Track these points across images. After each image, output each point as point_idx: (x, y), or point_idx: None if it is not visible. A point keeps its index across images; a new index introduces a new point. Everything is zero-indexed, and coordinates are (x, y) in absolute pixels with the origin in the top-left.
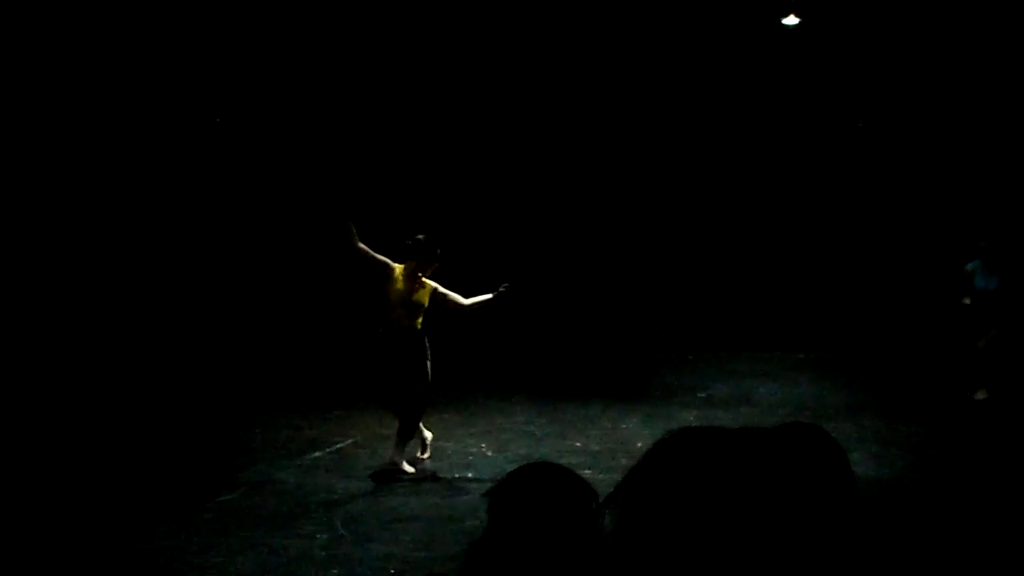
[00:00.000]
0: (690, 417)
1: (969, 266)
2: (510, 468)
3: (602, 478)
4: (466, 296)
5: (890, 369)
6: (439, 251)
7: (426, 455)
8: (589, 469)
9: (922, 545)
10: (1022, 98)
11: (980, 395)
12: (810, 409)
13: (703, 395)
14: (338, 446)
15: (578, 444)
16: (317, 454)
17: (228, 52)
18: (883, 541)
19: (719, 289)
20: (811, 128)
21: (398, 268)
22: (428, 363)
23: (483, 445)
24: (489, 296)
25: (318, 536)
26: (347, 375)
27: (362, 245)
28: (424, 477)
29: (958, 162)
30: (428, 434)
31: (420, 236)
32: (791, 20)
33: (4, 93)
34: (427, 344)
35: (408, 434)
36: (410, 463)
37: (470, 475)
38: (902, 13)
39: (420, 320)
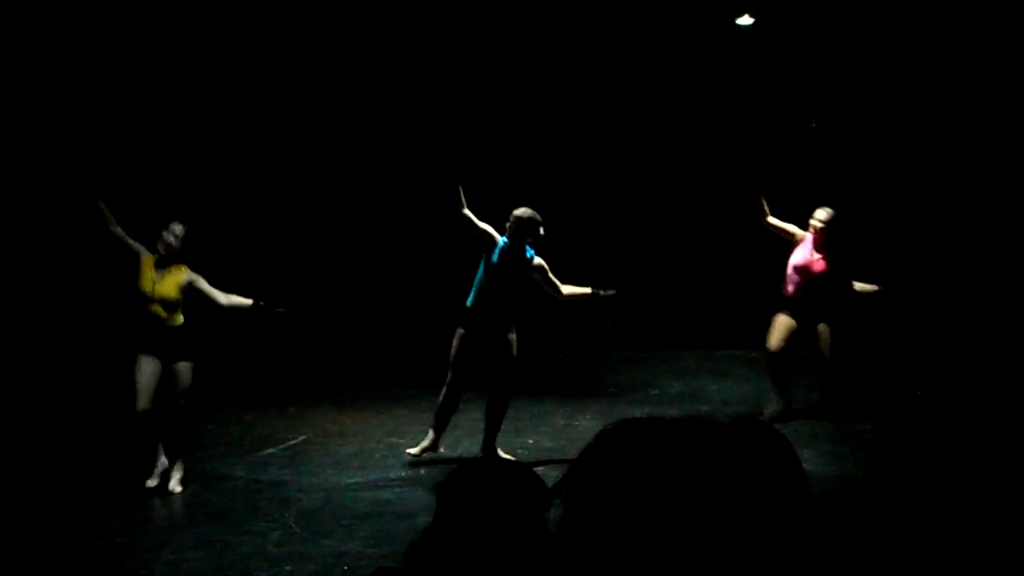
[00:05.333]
0: (641, 414)
1: None
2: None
3: (554, 475)
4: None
5: (842, 367)
6: (180, 237)
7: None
8: (541, 466)
9: (872, 542)
10: (994, 98)
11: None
12: (762, 407)
13: (655, 392)
14: (290, 443)
15: (531, 441)
16: (270, 450)
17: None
18: (834, 537)
19: (670, 286)
20: (765, 128)
21: (148, 257)
22: (190, 368)
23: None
24: (250, 302)
25: (271, 533)
26: (299, 371)
27: (118, 230)
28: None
29: (915, 161)
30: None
31: (176, 223)
32: (745, 20)
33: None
34: (192, 346)
35: (180, 449)
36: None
37: (423, 472)
38: (860, 12)
39: (176, 316)
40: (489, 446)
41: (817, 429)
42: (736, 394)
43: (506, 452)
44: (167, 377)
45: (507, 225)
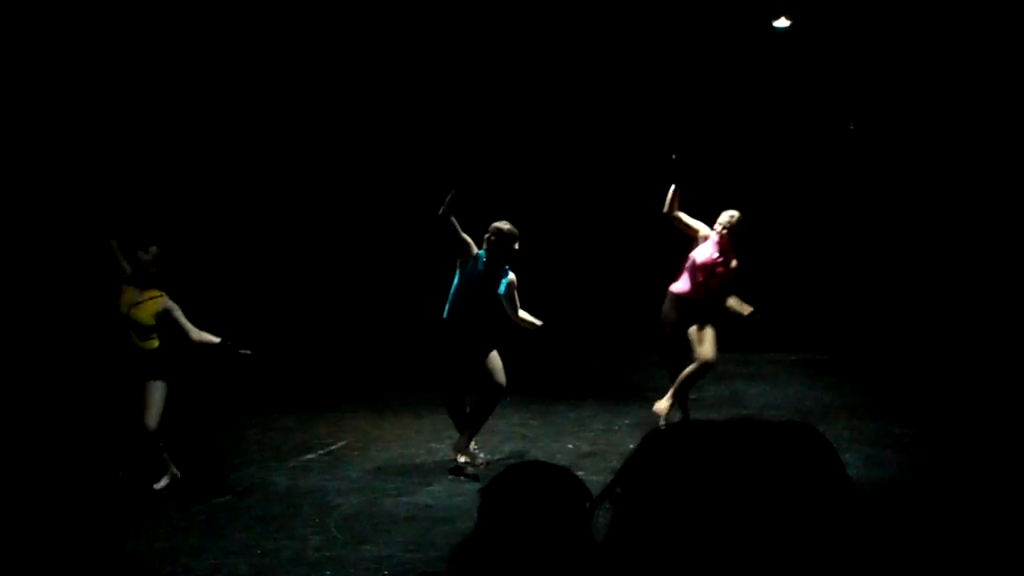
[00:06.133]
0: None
1: None
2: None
3: (594, 479)
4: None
5: (882, 370)
6: (151, 260)
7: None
8: (581, 471)
9: (914, 545)
10: (1018, 98)
11: None
12: (802, 411)
13: (694, 396)
14: (330, 448)
15: (570, 446)
16: (309, 456)
17: None
18: (877, 541)
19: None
20: (802, 130)
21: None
22: (162, 389)
23: (475, 446)
24: (218, 340)
25: (311, 538)
26: (337, 376)
27: (112, 242)
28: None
29: (952, 162)
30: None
31: (152, 247)
32: (782, 23)
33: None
34: (165, 368)
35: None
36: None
37: (462, 476)
38: (894, 15)
39: (150, 341)
40: (461, 444)
41: (857, 433)
42: (775, 398)
43: (543, 456)
44: (138, 397)
45: (486, 236)
